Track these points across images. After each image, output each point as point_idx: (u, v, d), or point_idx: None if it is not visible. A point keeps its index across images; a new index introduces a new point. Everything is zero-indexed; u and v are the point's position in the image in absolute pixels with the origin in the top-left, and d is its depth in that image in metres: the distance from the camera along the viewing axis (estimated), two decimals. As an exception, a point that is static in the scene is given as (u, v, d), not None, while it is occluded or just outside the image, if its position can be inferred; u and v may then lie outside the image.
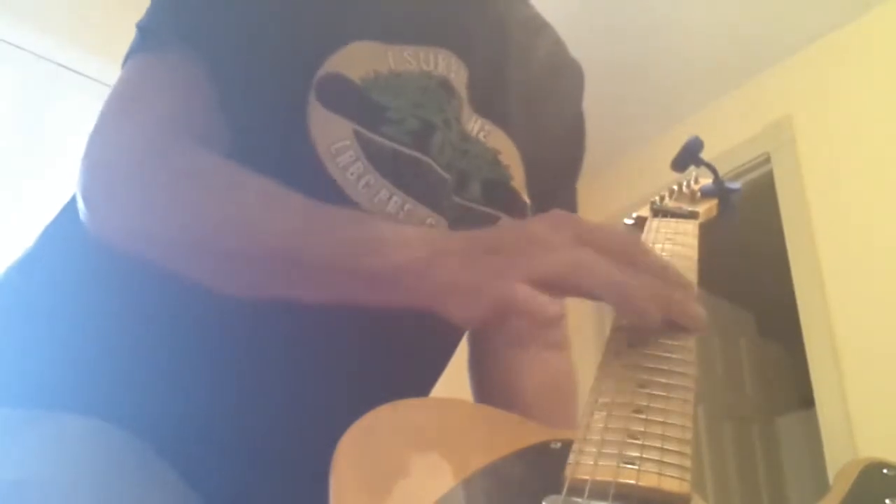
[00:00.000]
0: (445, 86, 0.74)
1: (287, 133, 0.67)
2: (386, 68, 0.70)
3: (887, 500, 0.47)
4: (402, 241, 0.56)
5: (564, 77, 0.92)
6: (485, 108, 0.78)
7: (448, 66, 0.74)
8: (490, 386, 0.85)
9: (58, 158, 2.23)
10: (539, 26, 0.91)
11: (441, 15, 0.77)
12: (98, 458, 0.58)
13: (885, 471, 0.50)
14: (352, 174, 0.67)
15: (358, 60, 0.69)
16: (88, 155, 0.63)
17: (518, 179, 0.80)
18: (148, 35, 0.67)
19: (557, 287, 0.52)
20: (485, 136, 0.77)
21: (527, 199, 0.80)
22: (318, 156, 0.66)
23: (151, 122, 0.63)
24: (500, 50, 0.82)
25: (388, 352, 0.71)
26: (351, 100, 0.68)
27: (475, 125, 0.77)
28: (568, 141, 0.91)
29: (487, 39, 0.80)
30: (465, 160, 0.75)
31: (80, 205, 0.62)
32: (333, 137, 0.67)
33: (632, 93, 3.16)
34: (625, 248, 0.54)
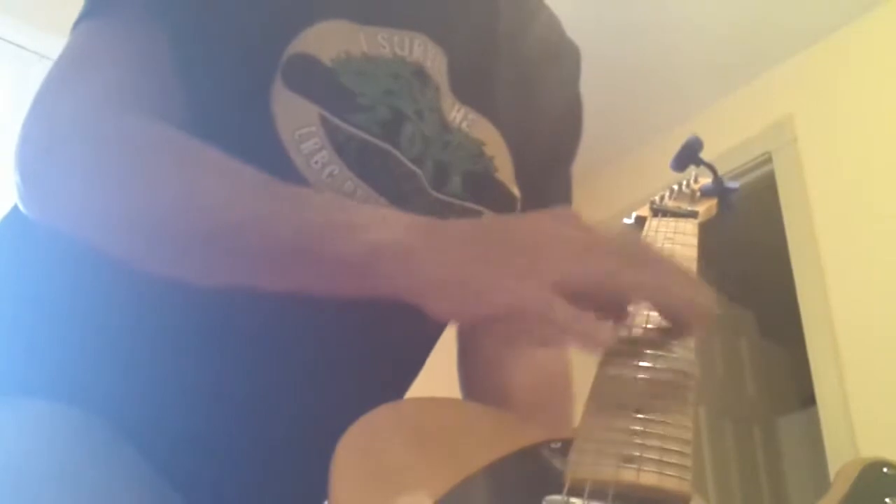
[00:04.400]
0: (420, 74, 0.70)
1: (248, 116, 0.62)
2: (358, 51, 0.66)
3: (887, 500, 0.48)
4: (377, 223, 0.51)
5: (559, 60, 0.88)
6: (468, 96, 0.73)
7: (424, 52, 0.70)
8: (479, 385, 0.82)
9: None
10: (532, 9, 0.86)
11: None
12: (58, 442, 0.57)
13: (885, 470, 0.50)
14: (316, 163, 0.63)
15: (329, 41, 0.65)
16: (28, 125, 0.59)
17: (504, 171, 0.75)
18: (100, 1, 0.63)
19: (587, 297, 0.49)
20: (468, 126, 0.73)
21: (515, 192, 0.76)
22: (280, 142, 0.62)
23: (100, 90, 0.59)
24: (484, 35, 0.77)
25: (370, 342, 0.69)
26: (319, 83, 0.64)
27: (458, 114, 0.73)
28: (562, 126, 0.88)
29: (470, 25, 0.76)
30: (446, 152, 0.71)
31: (17, 182, 0.58)
32: (298, 122, 0.63)
33: (633, 92, 3.16)
34: (633, 250, 0.53)
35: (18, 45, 2.29)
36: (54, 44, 2.31)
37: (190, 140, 0.57)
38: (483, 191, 0.73)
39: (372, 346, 0.70)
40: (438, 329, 0.78)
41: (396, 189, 0.67)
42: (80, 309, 0.65)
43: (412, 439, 0.53)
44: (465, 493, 0.47)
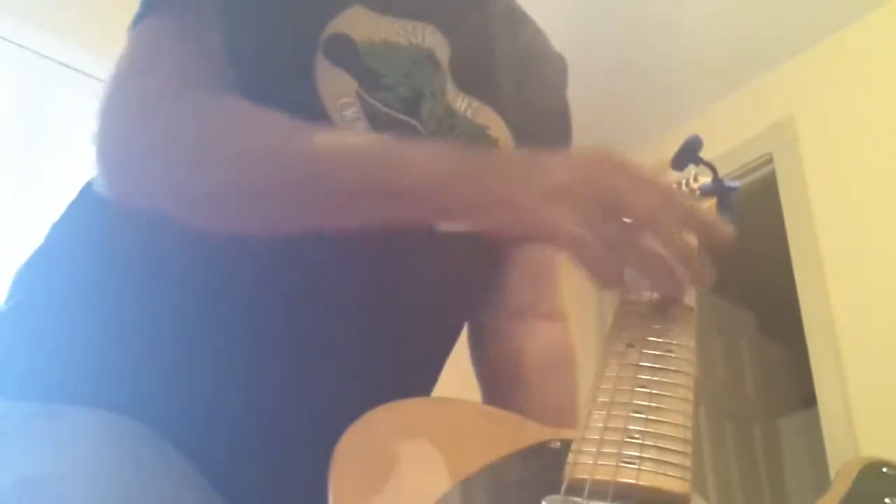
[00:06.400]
0: (432, 59, 0.75)
1: (295, 88, 0.68)
2: (378, 37, 0.72)
3: (886, 500, 0.47)
4: (457, 153, 0.61)
5: (548, 63, 0.93)
6: (471, 86, 0.78)
7: (434, 40, 0.76)
8: (491, 361, 0.85)
9: (58, 157, 2.23)
10: (520, 17, 0.92)
11: None
12: (112, 452, 0.58)
13: (884, 469, 0.50)
14: (358, 129, 0.69)
15: (358, 25, 0.71)
16: (108, 117, 0.62)
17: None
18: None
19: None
20: (472, 113, 0.78)
21: None
22: (325, 109, 0.67)
23: (169, 76, 0.64)
24: (483, 32, 0.82)
25: (398, 333, 0.72)
26: (354, 60, 0.70)
27: (462, 103, 0.78)
28: (554, 126, 0.92)
29: (471, 20, 0.81)
30: (453, 135, 0.76)
31: (103, 169, 0.62)
32: (339, 92, 0.68)
33: (634, 93, 3.16)
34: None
35: (18, 45, 2.29)
36: (54, 43, 2.31)
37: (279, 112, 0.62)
38: None
39: (397, 332, 0.73)
40: (462, 317, 0.83)
41: None
42: (129, 320, 0.66)
43: (411, 439, 0.53)
44: (464, 493, 0.47)
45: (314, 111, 0.66)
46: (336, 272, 0.68)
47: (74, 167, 2.22)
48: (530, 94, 0.86)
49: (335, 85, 0.68)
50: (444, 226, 0.63)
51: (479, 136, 0.78)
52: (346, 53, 0.69)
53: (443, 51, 0.76)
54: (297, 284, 0.68)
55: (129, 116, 0.63)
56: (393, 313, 0.71)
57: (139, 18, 0.68)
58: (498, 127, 0.79)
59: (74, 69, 2.32)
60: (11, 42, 2.27)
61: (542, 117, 0.87)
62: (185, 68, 0.65)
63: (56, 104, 2.30)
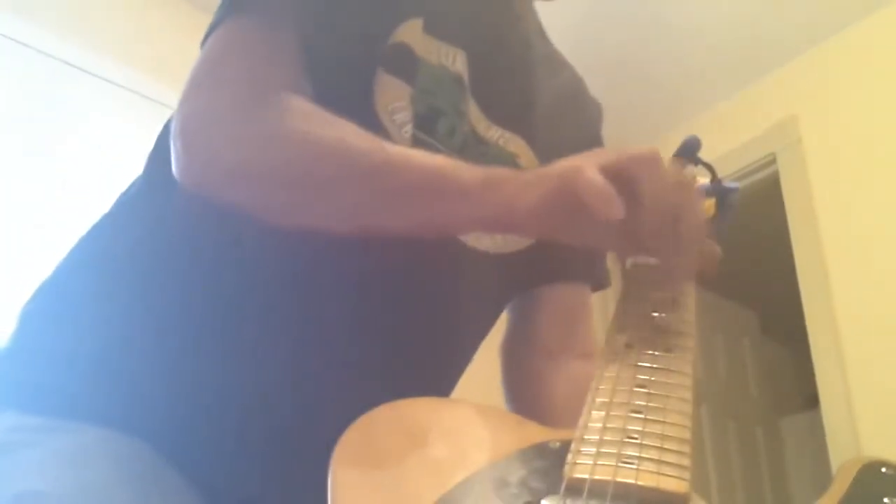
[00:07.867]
0: (460, 82, 0.77)
1: (352, 93, 0.71)
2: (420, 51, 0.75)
3: (885, 499, 0.48)
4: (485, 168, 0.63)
5: (585, 104, 0.95)
6: (503, 119, 0.81)
7: (464, 67, 0.77)
8: (522, 396, 0.88)
9: (59, 155, 2.23)
10: (561, 62, 0.95)
11: (472, 21, 0.80)
12: (111, 471, 0.59)
13: (883, 470, 0.50)
14: (406, 132, 0.72)
15: (415, 37, 0.74)
16: (188, 105, 0.65)
17: None
18: (239, 1, 0.70)
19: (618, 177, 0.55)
20: (504, 143, 0.81)
21: None
22: (377, 114, 0.71)
23: (253, 76, 0.66)
24: (522, 67, 0.85)
25: (410, 340, 0.74)
26: (412, 68, 0.73)
27: (494, 133, 0.80)
28: None
29: (511, 55, 0.84)
30: (483, 161, 0.77)
31: (180, 152, 0.64)
32: (392, 98, 0.72)
33: (638, 93, 3.15)
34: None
35: (23, 43, 2.29)
36: (57, 43, 2.32)
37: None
38: None
39: (421, 350, 0.75)
40: (484, 328, 0.85)
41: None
42: (142, 342, 0.67)
43: (411, 439, 0.53)
44: (464, 493, 0.47)
45: (368, 116, 0.69)
46: (349, 279, 0.70)
47: (75, 166, 2.23)
48: (565, 131, 0.88)
49: (389, 92, 0.72)
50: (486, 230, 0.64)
51: (509, 163, 0.80)
52: (404, 61, 0.73)
53: (468, 77, 0.78)
54: (311, 292, 0.69)
55: (218, 108, 0.65)
56: (405, 322, 0.73)
57: (222, 18, 0.69)
58: (528, 158, 0.82)
59: (77, 68, 2.32)
60: (15, 40, 2.27)
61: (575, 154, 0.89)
62: (265, 70, 0.67)
63: (57, 103, 2.30)
